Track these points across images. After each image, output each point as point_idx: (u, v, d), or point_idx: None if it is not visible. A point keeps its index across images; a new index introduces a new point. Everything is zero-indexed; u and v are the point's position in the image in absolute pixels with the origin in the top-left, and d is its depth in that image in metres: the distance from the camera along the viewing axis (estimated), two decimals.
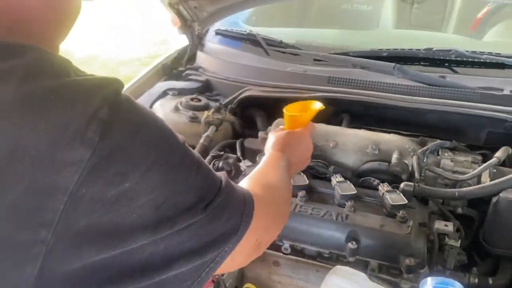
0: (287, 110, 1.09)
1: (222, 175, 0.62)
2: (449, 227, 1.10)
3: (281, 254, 1.15)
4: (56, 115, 0.43)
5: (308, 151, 1.08)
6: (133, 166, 0.47)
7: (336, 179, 1.21)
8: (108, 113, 0.45)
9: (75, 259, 0.45)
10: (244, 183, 0.78)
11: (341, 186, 1.18)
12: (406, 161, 1.27)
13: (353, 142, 1.32)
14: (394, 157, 1.25)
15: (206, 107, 1.58)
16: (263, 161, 0.95)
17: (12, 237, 0.42)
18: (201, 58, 1.87)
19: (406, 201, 1.14)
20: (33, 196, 0.42)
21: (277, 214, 0.81)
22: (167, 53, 1.99)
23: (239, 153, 1.39)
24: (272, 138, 1.03)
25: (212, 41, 1.94)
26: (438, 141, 1.32)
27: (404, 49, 1.57)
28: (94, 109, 0.44)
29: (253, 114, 1.61)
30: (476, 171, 1.19)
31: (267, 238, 0.76)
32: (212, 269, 0.58)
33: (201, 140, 1.40)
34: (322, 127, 1.37)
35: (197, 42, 1.92)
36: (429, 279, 0.80)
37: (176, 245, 0.52)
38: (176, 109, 1.55)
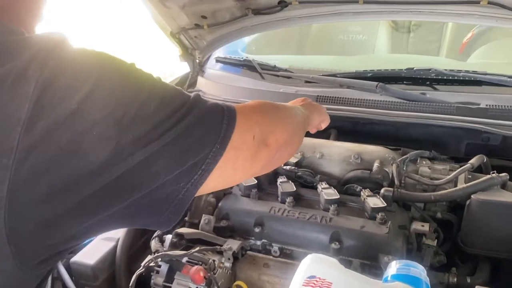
0: None
1: (195, 93, 0.64)
2: (425, 227, 1.18)
3: (271, 257, 1.24)
4: (7, 62, 0.51)
5: (321, 109, 1.17)
6: (74, 88, 0.52)
7: (321, 186, 1.31)
8: (46, 54, 0.53)
9: (40, 184, 0.50)
10: None
11: (325, 192, 1.28)
12: (386, 169, 1.36)
13: (338, 153, 1.42)
14: (375, 166, 1.35)
15: None
16: None
17: None
18: (201, 83, 2.01)
19: (385, 204, 1.23)
20: None
21: (280, 114, 0.83)
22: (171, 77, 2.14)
23: None
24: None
25: (212, 68, 2.09)
26: (418, 151, 1.42)
27: (387, 70, 1.69)
28: (34, 53, 0.52)
29: None
30: (451, 176, 1.28)
31: (274, 136, 0.74)
32: (206, 171, 0.60)
33: None
34: (310, 140, 1.47)
35: (198, 69, 2.07)
36: (393, 262, 0.88)
37: (153, 156, 0.55)
38: None
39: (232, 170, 0.66)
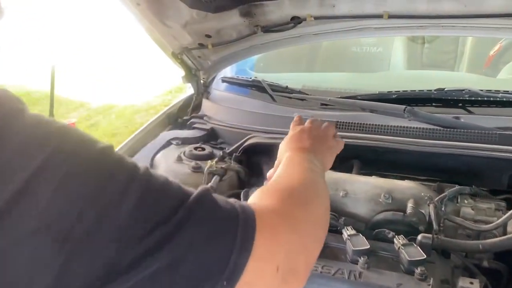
0: None
1: (200, 187, 0.46)
2: (475, 284, 0.99)
3: None
4: None
5: (328, 131, 0.94)
6: (8, 174, 0.35)
7: (347, 232, 1.12)
8: None
9: None
10: (251, 198, 0.58)
11: (353, 240, 1.09)
12: (422, 210, 1.17)
13: (364, 191, 1.23)
14: (409, 206, 1.16)
15: (210, 156, 1.53)
16: (279, 167, 0.74)
17: None
18: (207, 106, 1.84)
19: (425, 256, 1.03)
20: None
21: (309, 224, 0.57)
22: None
23: None
24: (287, 138, 0.89)
25: (218, 89, 1.92)
26: (457, 187, 1.23)
27: (414, 91, 1.51)
28: None
29: (259, 161, 1.54)
30: (501, 220, 1.08)
31: (299, 263, 0.53)
32: None
33: None
34: (331, 174, 1.29)
35: (203, 90, 1.91)
36: None
37: None
38: (179, 159, 1.50)
39: None
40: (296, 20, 1.40)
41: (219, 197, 0.47)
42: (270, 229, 0.48)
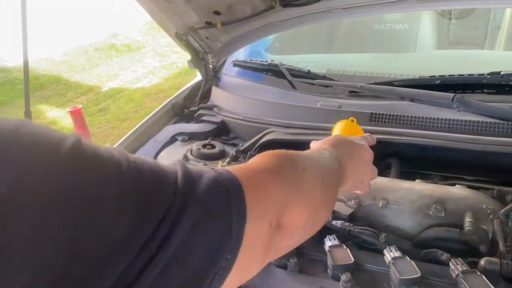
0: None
1: (177, 166, 0.44)
2: None
3: None
4: None
5: (366, 153, 0.79)
6: None
7: (391, 253, 0.91)
8: None
9: None
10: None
11: (398, 265, 0.88)
12: (484, 226, 0.95)
13: (409, 200, 1.01)
14: (468, 222, 0.94)
15: (221, 155, 1.31)
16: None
17: None
18: (216, 95, 1.61)
19: None
20: None
21: (299, 182, 0.57)
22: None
23: None
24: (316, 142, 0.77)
25: (229, 74, 1.69)
26: None
27: (462, 75, 1.26)
28: None
29: None
30: None
31: (290, 215, 0.53)
32: (219, 281, 0.43)
33: None
34: None
35: (212, 76, 1.68)
36: None
37: None
38: (185, 159, 1.29)
39: (244, 271, 0.49)
40: None
41: (199, 171, 0.45)
42: (259, 187, 0.50)
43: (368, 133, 0.88)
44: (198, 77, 1.76)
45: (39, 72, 6.60)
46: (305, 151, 0.67)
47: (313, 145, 0.77)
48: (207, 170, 0.47)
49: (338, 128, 1.06)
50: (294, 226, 0.55)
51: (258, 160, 0.57)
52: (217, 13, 1.32)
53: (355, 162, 0.74)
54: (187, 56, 1.59)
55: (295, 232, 0.56)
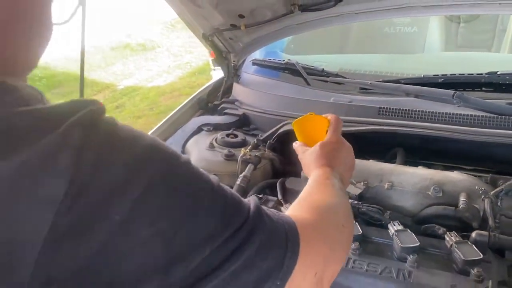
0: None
1: (251, 200, 0.52)
2: None
3: None
4: (25, 146, 0.36)
5: (349, 153, 0.91)
6: (119, 193, 0.38)
7: (394, 227, 1.05)
8: (81, 138, 0.38)
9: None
10: (288, 211, 0.65)
11: (400, 236, 1.01)
12: (476, 205, 1.08)
13: (412, 183, 1.15)
14: (462, 201, 1.07)
15: (243, 144, 1.46)
16: (309, 183, 0.79)
17: None
18: (237, 90, 1.76)
19: (481, 255, 0.95)
20: (3, 248, 0.35)
21: (337, 239, 0.66)
22: (206, 83, 1.91)
23: (280, 195, 1.25)
24: (308, 156, 0.88)
25: (248, 72, 1.84)
26: None
27: (463, 74, 1.40)
28: (63, 136, 0.37)
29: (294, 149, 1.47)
30: None
31: (329, 272, 0.62)
32: None
33: (238, 181, 1.27)
34: (374, 165, 1.21)
35: (233, 73, 1.83)
36: None
37: None
38: (211, 146, 1.44)
39: None
40: None
41: (268, 210, 0.54)
42: (309, 239, 0.55)
43: (330, 115, 0.94)
44: (215, 77, 1.91)
45: (58, 70, 6.80)
46: (325, 195, 0.74)
47: (307, 156, 0.89)
48: (273, 210, 0.55)
49: (301, 127, 1.01)
50: (331, 278, 0.63)
51: (312, 217, 0.63)
52: (241, 16, 1.47)
53: (347, 167, 0.88)
54: (201, 56, 1.74)
55: (329, 283, 0.63)
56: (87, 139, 0.38)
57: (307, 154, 0.89)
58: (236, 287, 0.45)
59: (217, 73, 1.98)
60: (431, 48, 2.41)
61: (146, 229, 0.39)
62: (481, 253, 0.96)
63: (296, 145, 0.99)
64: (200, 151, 1.43)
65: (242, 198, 0.51)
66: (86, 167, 0.37)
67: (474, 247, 0.97)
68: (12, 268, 0.34)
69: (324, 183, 0.77)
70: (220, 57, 1.72)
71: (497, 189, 1.09)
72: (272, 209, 0.56)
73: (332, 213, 0.69)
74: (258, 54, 1.90)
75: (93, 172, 0.37)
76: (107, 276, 0.37)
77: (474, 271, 0.93)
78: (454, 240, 0.99)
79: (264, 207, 0.54)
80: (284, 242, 0.51)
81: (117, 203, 0.38)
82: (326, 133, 0.93)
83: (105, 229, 0.37)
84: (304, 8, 1.37)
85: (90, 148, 0.38)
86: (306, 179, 1.11)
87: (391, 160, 1.33)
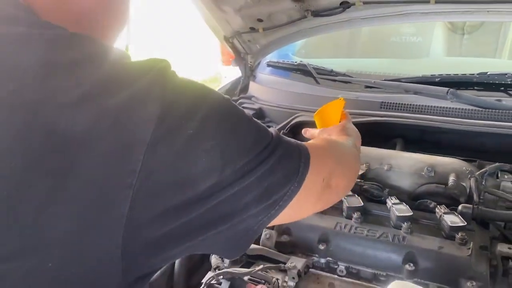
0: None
1: (272, 129, 0.66)
2: None
3: (336, 276, 1.15)
4: (129, 86, 0.52)
5: (359, 138, 1.09)
6: (191, 113, 0.54)
7: (391, 201, 1.21)
8: (163, 77, 0.55)
9: (156, 205, 0.52)
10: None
11: (396, 208, 1.18)
12: (463, 184, 1.25)
13: (408, 165, 1.32)
14: (451, 180, 1.24)
15: None
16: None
17: (105, 183, 0.49)
18: (254, 88, 1.94)
19: (465, 223, 1.11)
20: (119, 148, 0.50)
21: (342, 160, 0.84)
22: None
23: None
24: (328, 131, 1.08)
25: (263, 72, 2.02)
26: (497, 163, 1.29)
27: (457, 74, 1.57)
28: (153, 76, 0.54)
29: (305, 139, 1.63)
30: None
31: (335, 180, 0.77)
32: (282, 207, 0.63)
33: None
34: (376, 150, 1.38)
35: (249, 73, 2.01)
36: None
37: (246, 188, 0.57)
38: None
39: (299, 208, 0.70)
40: (345, 5, 1.48)
41: (285, 137, 0.68)
42: (318, 154, 0.71)
43: (345, 112, 1.16)
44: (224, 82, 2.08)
45: None
46: (340, 140, 0.96)
47: (325, 132, 1.08)
48: (291, 139, 0.69)
49: (320, 116, 1.17)
50: (338, 187, 0.79)
51: (320, 142, 0.86)
52: (260, 20, 1.66)
53: (357, 144, 1.05)
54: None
55: (338, 192, 0.82)
56: (167, 80, 0.55)
57: (327, 129, 1.10)
58: (265, 187, 0.59)
59: (228, 81, 2.17)
60: (435, 56, 2.56)
61: (208, 141, 0.54)
62: (466, 222, 1.12)
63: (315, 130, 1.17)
64: None
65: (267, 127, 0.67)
66: (169, 96, 0.53)
67: (459, 216, 1.14)
68: (128, 158, 0.50)
69: (340, 137, 0.99)
70: (239, 57, 1.91)
71: (482, 170, 1.26)
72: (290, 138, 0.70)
73: (340, 145, 0.90)
74: (270, 57, 2.08)
75: (173, 100, 0.53)
76: (182, 174, 0.52)
77: (458, 235, 1.09)
78: (443, 211, 1.16)
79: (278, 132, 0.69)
80: (298, 155, 0.66)
81: (189, 122, 0.53)
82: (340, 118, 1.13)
83: (183, 139, 0.52)
84: (316, 14, 1.55)
85: (169, 86, 0.54)
86: None
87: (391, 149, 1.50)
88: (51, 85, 0.50)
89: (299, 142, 0.70)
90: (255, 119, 0.64)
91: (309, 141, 0.81)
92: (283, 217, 0.65)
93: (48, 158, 0.48)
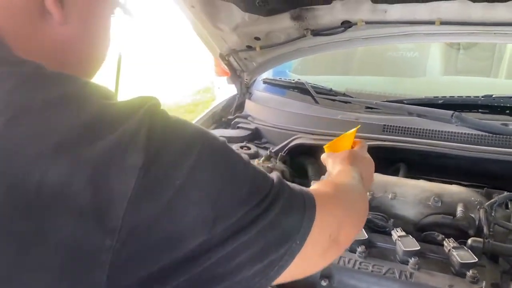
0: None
1: (274, 174, 0.61)
2: None
3: None
4: (109, 133, 0.46)
5: (371, 165, 1.03)
6: (179, 161, 0.48)
7: (397, 233, 1.15)
8: (150, 121, 0.49)
9: (138, 269, 0.46)
10: (311, 187, 0.74)
11: (403, 241, 1.11)
12: (472, 215, 1.18)
13: (413, 194, 1.25)
14: (459, 210, 1.18)
15: (255, 156, 1.57)
16: (332, 173, 0.92)
17: (80, 247, 0.43)
18: (250, 106, 1.88)
19: (476, 259, 1.05)
20: (96, 205, 0.44)
21: (351, 208, 0.76)
22: (211, 101, 2.03)
23: None
24: (335, 158, 1.00)
25: (258, 90, 1.96)
26: (506, 193, 1.23)
27: (461, 97, 1.52)
28: (139, 119, 0.48)
29: (304, 162, 1.57)
30: None
31: (344, 234, 0.70)
32: (282, 268, 0.57)
33: None
34: (379, 177, 1.31)
35: (245, 91, 1.95)
36: None
37: (241, 247, 0.52)
38: None
39: (303, 265, 0.62)
40: (346, 24, 1.43)
41: (289, 183, 0.62)
42: (325, 204, 0.64)
43: (360, 140, 1.11)
44: (219, 95, 2.03)
45: None
46: (345, 178, 0.86)
47: (333, 159, 1.01)
48: (294, 184, 0.63)
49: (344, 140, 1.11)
50: (347, 241, 0.73)
51: (326, 188, 0.73)
52: (257, 38, 1.60)
53: (368, 173, 0.99)
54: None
55: (347, 245, 0.75)
56: (154, 123, 0.49)
57: (333, 156, 1.02)
58: (261, 245, 0.53)
59: (222, 91, 2.11)
60: (432, 72, 2.54)
61: (198, 192, 0.48)
62: (477, 258, 1.06)
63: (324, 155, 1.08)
64: None
65: (267, 172, 0.60)
66: (155, 143, 0.47)
67: (470, 251, 1.07)
68: (106, 216, 0.44)
69: (344, 172, 0.90)
70: (235, 75, 1.84)
71: (492, 200, 1.20)
72: (293, 183, 0.64)
73: (348, 189, 0.80)
74: (267, 74, 2.02)
75: (159, 147, 0.47)
76: (169, 231, 0.46)
77: (469, 273, 1.02)
78: (452, 246, 1.09)
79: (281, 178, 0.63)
80: (303, 207, 0.59)
81: (176, 170, 0.47)
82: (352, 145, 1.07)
83: (170, 191, 0.46)
84: (316, 33, 1.49)
85: (157, 130, 0.48)
86: None
87: (393, 174, 1.44)
88: (21, 132, 0.44)
89: (304, 189, 0.63)
90: (252, 164, 0.58)
91: (314, 187, 0.74)
92: (284, 277, 0.58)
93: (14, 219, 0.42)
